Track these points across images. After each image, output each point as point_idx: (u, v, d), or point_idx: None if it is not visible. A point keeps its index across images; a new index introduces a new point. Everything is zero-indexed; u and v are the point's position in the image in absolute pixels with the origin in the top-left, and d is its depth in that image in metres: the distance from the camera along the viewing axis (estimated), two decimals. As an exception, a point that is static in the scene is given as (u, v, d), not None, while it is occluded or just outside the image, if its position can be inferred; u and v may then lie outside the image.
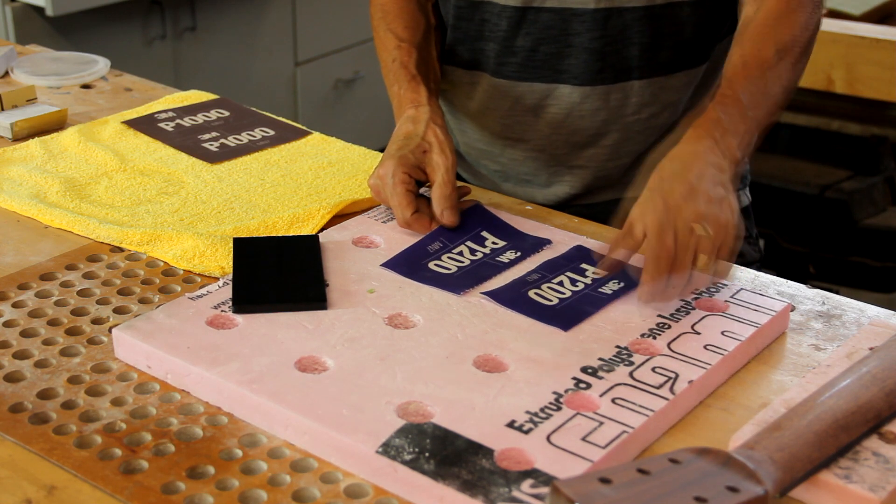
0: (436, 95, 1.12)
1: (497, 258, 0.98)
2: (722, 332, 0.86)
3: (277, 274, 0.93)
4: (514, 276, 0.95)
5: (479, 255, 0.98)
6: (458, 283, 0.94)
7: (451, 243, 1.00)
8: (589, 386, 0.80)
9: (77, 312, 0.92)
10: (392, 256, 0.98)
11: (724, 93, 0.99)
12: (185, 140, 1.26)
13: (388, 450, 0.72)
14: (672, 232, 0.88)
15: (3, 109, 1.31)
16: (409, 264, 0.96)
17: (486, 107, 1.20)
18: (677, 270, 0.89)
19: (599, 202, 1.22)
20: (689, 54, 1.15)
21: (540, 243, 1.01)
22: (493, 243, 1.00)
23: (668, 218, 0.89)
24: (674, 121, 1.18)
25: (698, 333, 0.86)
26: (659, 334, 0.86)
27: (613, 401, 0.78)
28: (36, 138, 1.26)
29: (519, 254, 0.99)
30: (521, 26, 1.14)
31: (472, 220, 1.04)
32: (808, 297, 0.96)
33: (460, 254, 0.99)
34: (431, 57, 1.16)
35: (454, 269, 0.96)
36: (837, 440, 0.71)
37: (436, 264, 0.97)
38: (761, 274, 1.00)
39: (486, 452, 0.72)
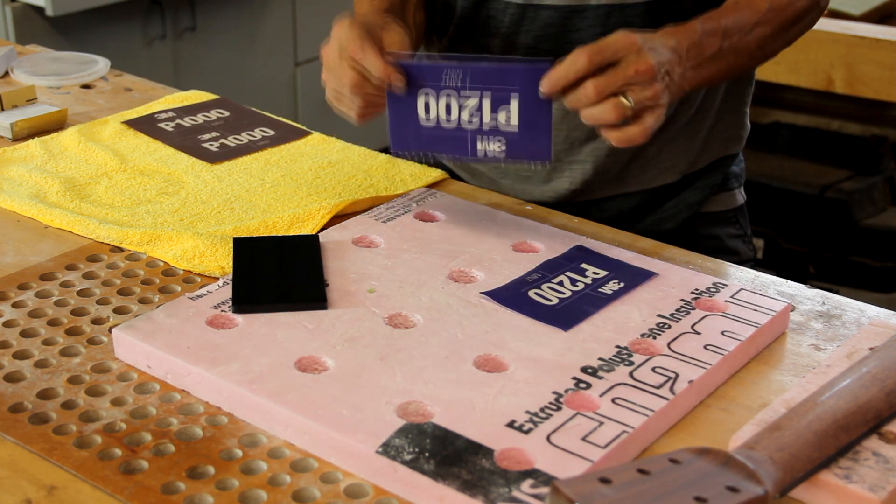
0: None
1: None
2: (722, 332, 0.86)
3: (277, 274, 0.93)
4: (506, 271, 0.95)
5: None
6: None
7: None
8: (589, 386, 0.80)
9: (77, 312, 0.92)
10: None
11: (708, 16, 1.03)
12: (185, 140, 1.26)
13: (388, 450, 0.72)
14: (605, 53, 0.92)
15: (3, 109, 1.31)
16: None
17: None
18: (587, 90, 0.92)
19: (599, 198, 1.22)
20: None
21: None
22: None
23: (615, 43, 0.92)
24: (673, 114, 1.18)
25: (698, 333, 0.86)
26: (659, 334, 0.86)
27: (613, 401, 0.78)
28: (36, 138, 1.26)
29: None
30: (522, 23, 1.14)
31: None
32: (808, 297, 0.96)
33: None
34: (406, 16, 1.14)
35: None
36: (837, 440, 0.71)
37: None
38: (761, 274, 1.00)
39: (486, 452, 0.72)
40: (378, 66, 0.94)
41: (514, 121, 0.95)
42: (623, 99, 0.92)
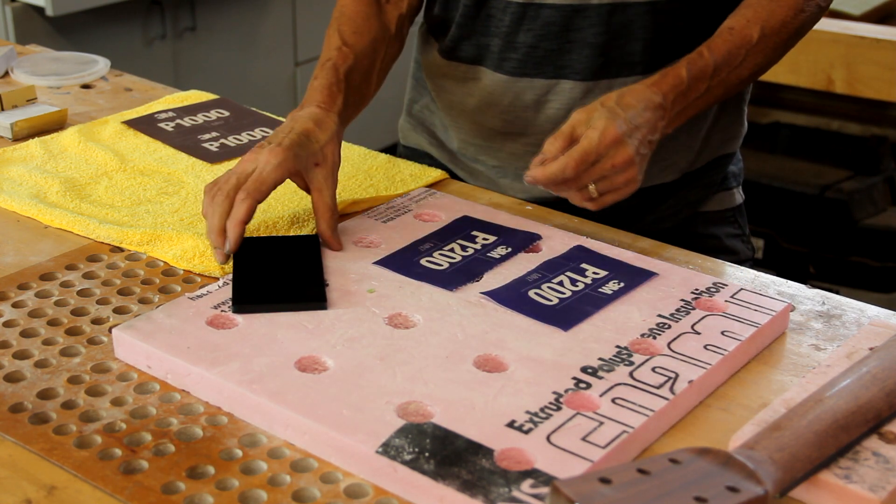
0: (348, 114, 1.09)
1: (488, 254, 0.98)
2: (722, 332, 0.86)
3: (278, 274, 0.93)
4: (506, 271, 0.95)
5: (471, 252, 0.99)
6: (450, 279, 0.94)
7: (441, 242, 1.00)
8: (589, 386, 0.80)
9: (77, 312, 0.92)
10: (385, 256, 0.98)
11: (700, 52, 1.05)
12: (185, 140, 1.26)
13: (388, 450, 0.72)
14: (590, 159, 0.96)
15: (3, 109, 1.31)
16: (402, 261, 0.97)
17: (487, 102, 1.20)
18: (567, 183, 0.97)
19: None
20: (691, 49, 1.15)
21: (530, 238, 1.01)
22: (484, 239, 1.01)
23: (599, 144, 0.96)
24: None
25: (698, 333, 0.86)
26: (659, 334, 0.86)
27: (613, 401, 0.78)
28: (36, 138, 1.26)
29: (510, 249, 0.99)
30: (522, 22, 1.14)
31: (462, 224, 1.04)
32: (808, 297, 0.96)
33: (451, 251, 0.99)
34: (370, 69, 1.13)
35: (445, 266, 0.96)
36: (837, 440, 0.71)
37: (427, 261, 0.97)
38: (761, 274, 1.00)
39: (486, 452, 0.72)
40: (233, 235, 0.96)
41: (488, 234, 1.02)
42: (591, 187, 0.98)
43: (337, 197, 1.11)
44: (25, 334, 0.89)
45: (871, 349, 0.84)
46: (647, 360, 0.83)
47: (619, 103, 0.99)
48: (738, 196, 1.30)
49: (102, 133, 1.28)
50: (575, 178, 0.96)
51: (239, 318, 0.87)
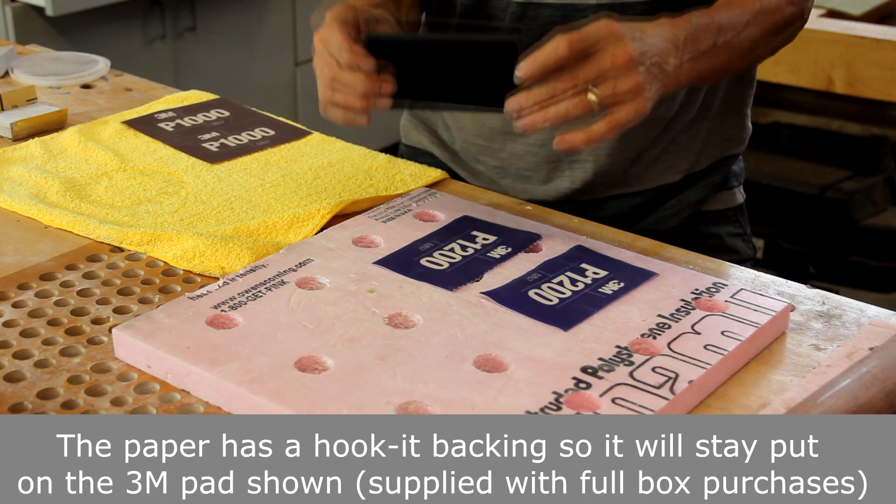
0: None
1: (488, 254, 0.98)
2: (722, 332, 0.86)
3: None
4: (506, 271, 0.95)
5: (471, 252, 0.99)
6: (450, 279, 0.94)
7: (441, 242, 1.00)
8: (589, 386, 0.80)
9: (77, 312, 0.92)
10: (385, 256, 0.98)
11: (701, 11, 1.01)
12: (185, 140, 1.26)
13: (388, 450, 0.72)
14: (587, 43, 0.89)
15: (3, 109, 1.31)
16: (402, 261, 0.97)
17: None
18: (562, 80, 0.89)
19: (600, 198, 1.22)
20: None
21: (531, 238, 1.01)
22: (484, 239, 1.01)
23: (597, 32, 0.89)
24: (673, 114, 1.18)
25: (698, 333, 0.86)
26: (659, 334, 0.86)
27: (613, 401, 0.78)
28: (36, 138, 1.26)
29: (510, 249, 0.99)
30: (522, 21, 1.14)
31: (462, 224, 1.04)
32: (808, 297, 0.96)
33: (451, 250, 0.99)
34: (399, 11, 1.13)
35: (445, 266, 0.96)
36: (837, 440, 0.71)
37: (427, 261, 0.97)
38: (761, 274, 1.00)
39: (486, 452, 0.72)
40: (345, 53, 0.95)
41: (488, 234, 1.01)
42: (590, 95, 0.90)
43: (337, 197, 1.11)
44: (25, 334, 0.89)
45: (871, 349, 0.84)
46: (647, 360, 0.83)
47: (628, 23, 0.94)
48: (740, 195, 1.30)
49: (102, 133, 1.28)
50: (571, 73, 0.89)
51: (239, 317, 0.87)
